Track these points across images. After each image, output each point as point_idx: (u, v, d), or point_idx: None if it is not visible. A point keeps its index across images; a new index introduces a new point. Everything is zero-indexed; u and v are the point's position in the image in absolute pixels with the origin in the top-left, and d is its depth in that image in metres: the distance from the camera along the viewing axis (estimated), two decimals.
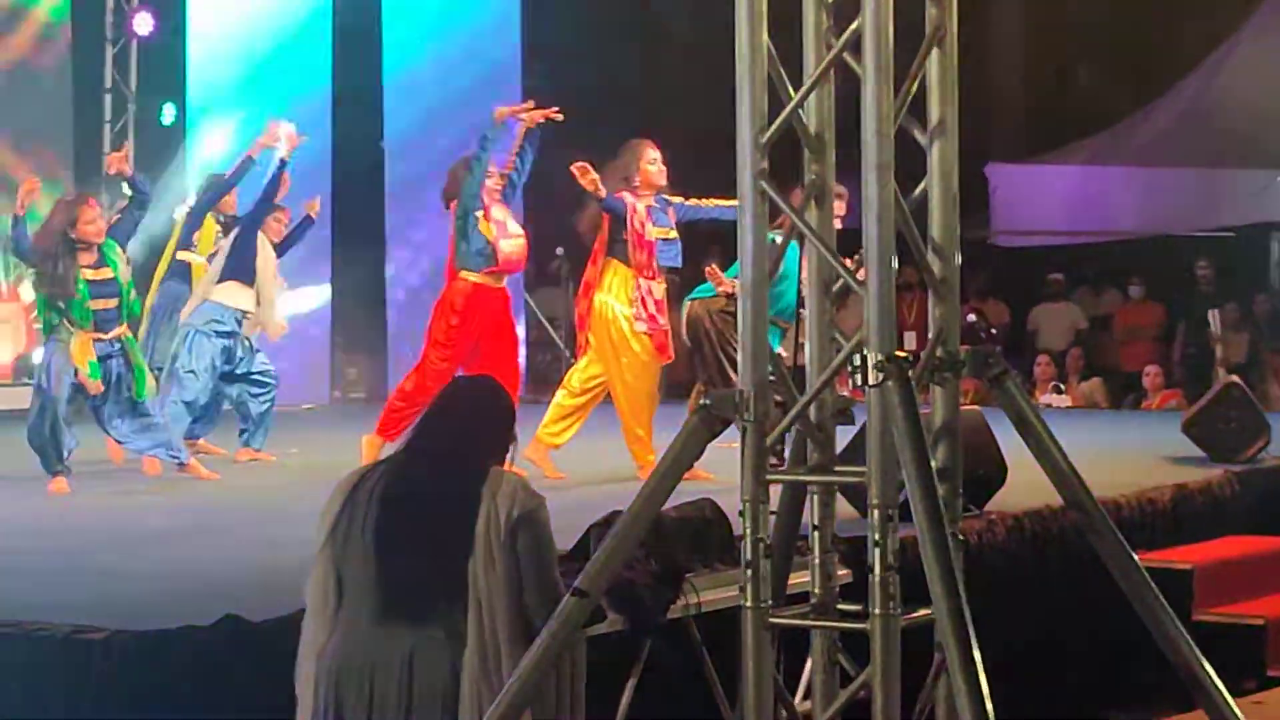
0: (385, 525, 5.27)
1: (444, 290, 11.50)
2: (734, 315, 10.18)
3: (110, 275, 11.42)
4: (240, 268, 12.49)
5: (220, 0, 18.16)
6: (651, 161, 11.30)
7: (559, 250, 19.33)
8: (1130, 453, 12.79)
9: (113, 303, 11.44)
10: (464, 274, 11.30)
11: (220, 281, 12.48)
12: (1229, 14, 20.86)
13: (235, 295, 12.48)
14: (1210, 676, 5.12)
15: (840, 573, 5.75)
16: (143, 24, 18.35)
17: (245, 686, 6.13)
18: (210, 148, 17.01)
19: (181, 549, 8.91)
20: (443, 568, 5.22)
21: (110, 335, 11.42)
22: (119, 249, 11.55)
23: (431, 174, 15.79)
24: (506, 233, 11.32)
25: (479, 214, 11.18)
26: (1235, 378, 13.29)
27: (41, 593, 7.27)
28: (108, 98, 18.42)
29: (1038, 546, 9.50)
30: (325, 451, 12.69)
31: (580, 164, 10.93)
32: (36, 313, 11.75)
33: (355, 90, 18.41)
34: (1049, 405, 17.82)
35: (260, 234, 12.62)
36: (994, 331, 19.87)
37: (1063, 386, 18.65)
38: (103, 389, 11.35)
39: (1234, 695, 5.20)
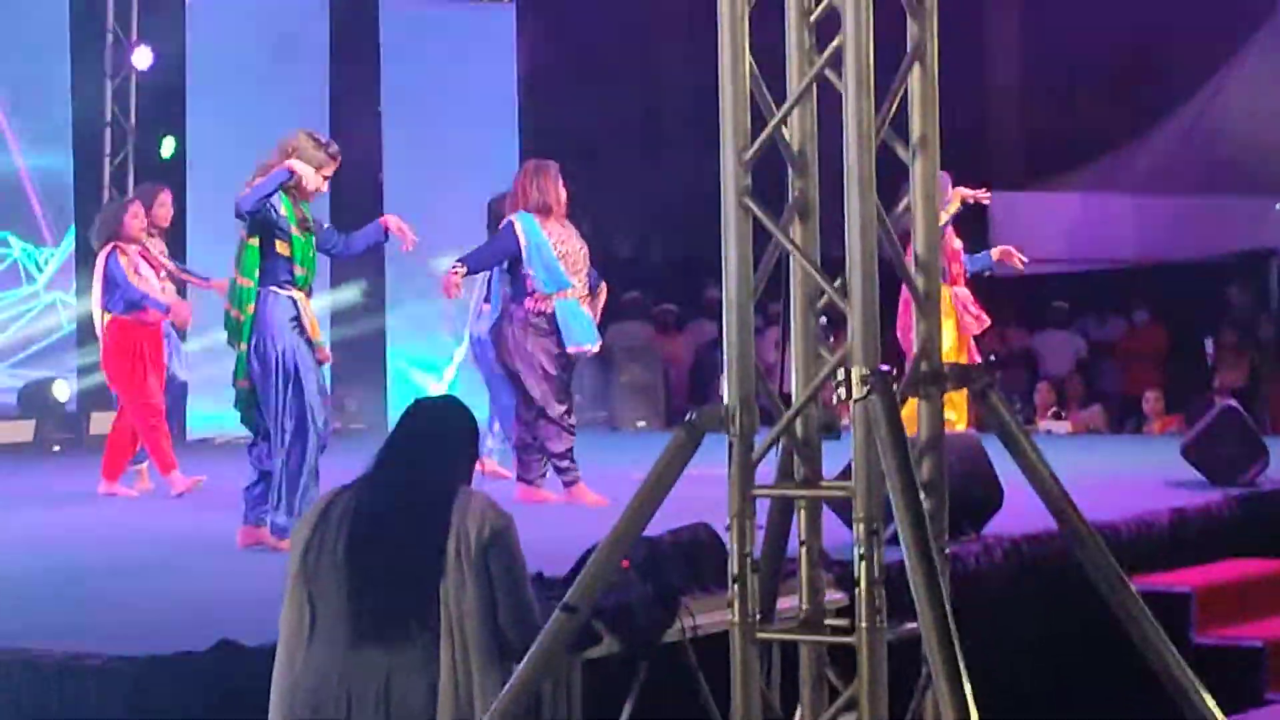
0: (356, 548, 5.25)
1: None
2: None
3: None
4: None
5: (219, 33, 18.22)
6: None
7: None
8: (1129, 477, 12.78)
9: None
10: None
11: None
12: (1225, 41, 20.92)
13: None
14: (1200, 693, 5.12)
15: (835, 596, 5.76)
16: (142, 58, 18.39)
17: (240, 711, 6.12)
18: (210, 180, 17.02)
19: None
20: (415, 590, 5.20)
21: None
22: None
23: (431, 202, 15.95)
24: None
25: None
26: (1233, 401, 13.28)
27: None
28: (107, 132, 18.45)
29: (1036, 570, 9.49)
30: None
31: None
32: None
33: (352, 121, 18.44)
34: (1049, 432, 17.82)
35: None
36: (993, 357, 19.86)
37: (1063, 413, 18.64)
38: None
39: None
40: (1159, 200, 21.04)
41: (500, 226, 11.41)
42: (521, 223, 11.20)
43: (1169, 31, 21.58)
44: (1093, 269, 21.30)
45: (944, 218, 11.56)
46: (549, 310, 11.20)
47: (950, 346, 12.16)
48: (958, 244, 12.70)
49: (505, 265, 11.35)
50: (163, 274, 12.35)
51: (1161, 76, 21.80)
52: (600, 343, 11.64)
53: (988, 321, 12.97)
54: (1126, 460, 14.42)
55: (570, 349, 11.22)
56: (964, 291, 12.71)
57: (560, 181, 11.38)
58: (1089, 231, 21.06)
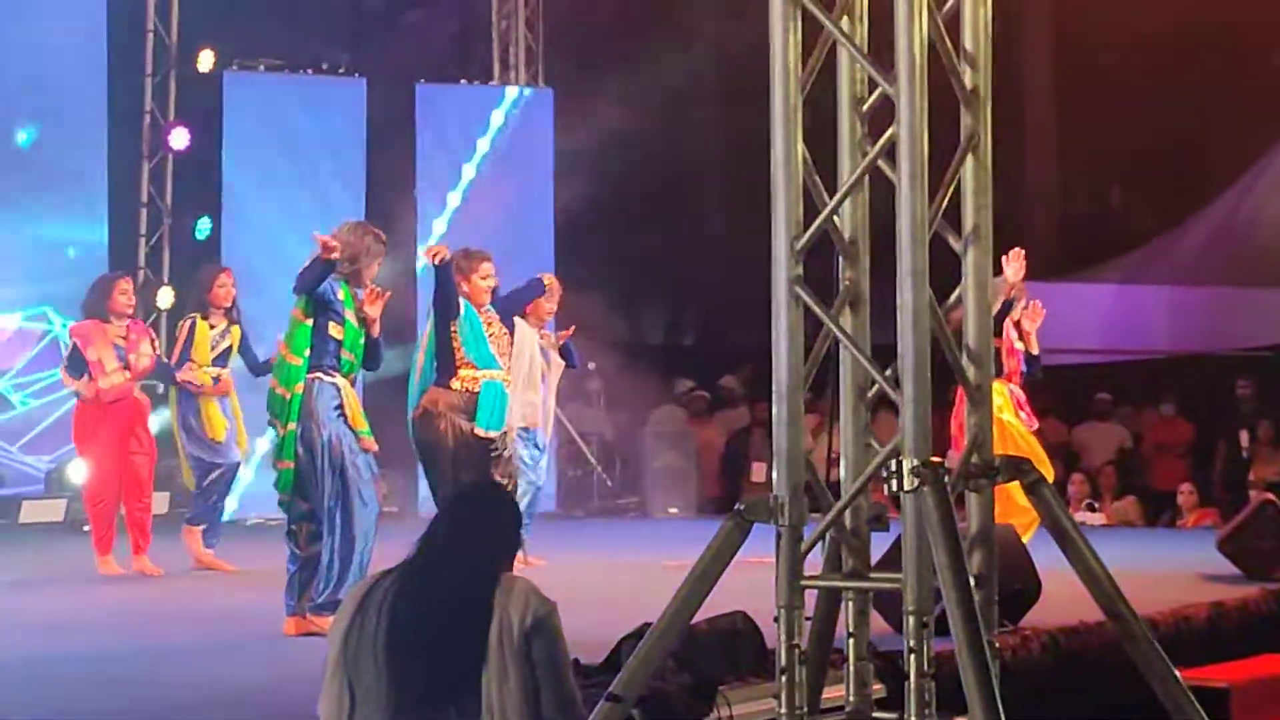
0: (397, 636, 5.18)
1: None
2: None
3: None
4: None
5: (255, 114, 18.32)
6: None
7: (591, 365, 19.37)
8: (1165, 571, 12.68)
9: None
10: None
11: None
12: (1261, 134, 20.93)
13: None
14: None
15: (874, 686, 5.71)
16: (178, 139, 18.50)
17: None
18: (246, 261, 17.07)
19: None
20: (456, 679, 5.15)
21: None
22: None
23: None
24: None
25: None
26: (1270, 495, 13.18)
27: None
28: (144, 212, 18.53)
29: (1073, 662, 9.41)
30: None
31: None
32: None
33: (388, 205, 18.49)
34: (1083, 523, 17.70)
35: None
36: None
37: (1096, 505, 18.54)
38: None
39: None
40: (1193, 291, 21.00)
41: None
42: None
43: (1204, 125, 21.61)
44: (1127, 360, 21.25)
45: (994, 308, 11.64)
46: (476, 389, 11.22)
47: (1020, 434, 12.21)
48: (1019, 344, 12.61)
49: (435, 345, 11.34)
50: (132, 356, 12.46)
51: (1196, 170, 21.81)
52: (504, 430, 11.58)
53: (1036, 424, 12.89)
54: (1162, 553, 14.32)
55: (478, 430, 11.21)
56: (1018, 390, 12.63)
57: (489, 275, 11.49)
58: (1123, 323, 21.01)
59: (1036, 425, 12.92)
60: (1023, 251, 12.27)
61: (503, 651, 5.12)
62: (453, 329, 11.19)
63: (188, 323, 12.78)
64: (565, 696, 5.18)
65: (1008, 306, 12.28)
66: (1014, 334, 12.53)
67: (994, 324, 11.86)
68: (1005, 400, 12.20)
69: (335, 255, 9.43)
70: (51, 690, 7.59)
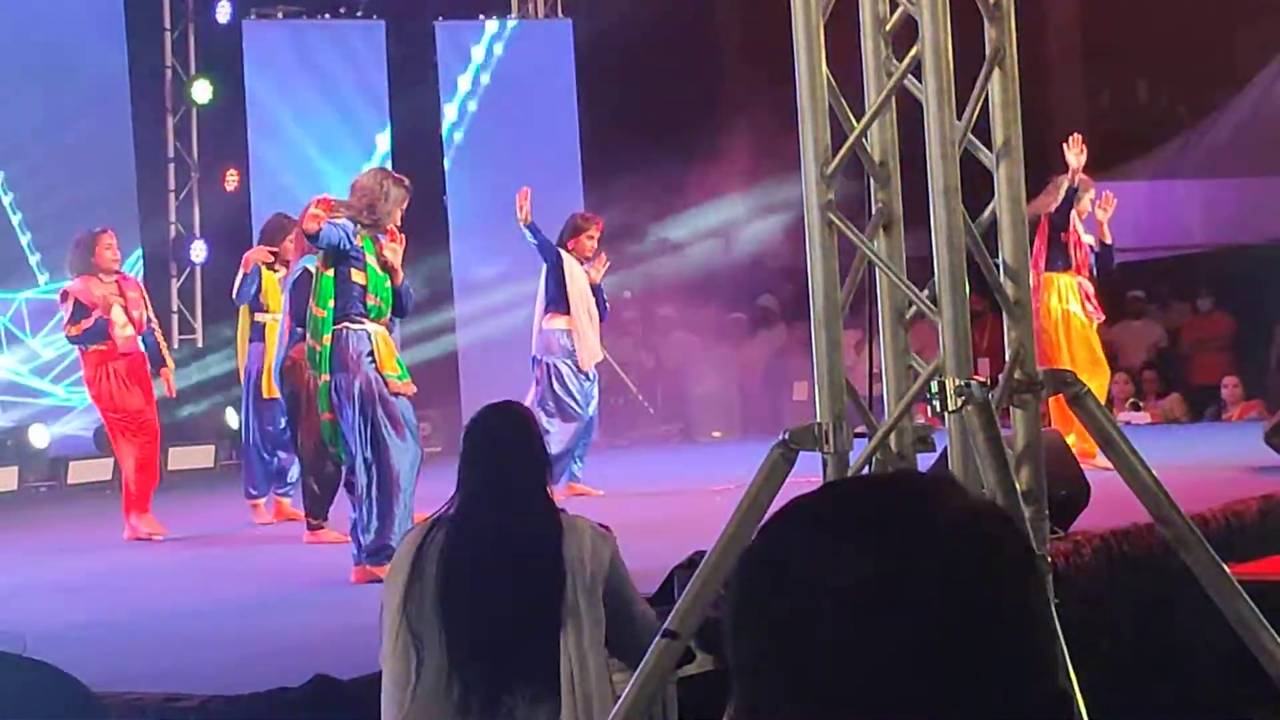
0: (459, 586, 5.12)
1: None
2: None
3: None
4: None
5: (278, 63, 18.29)
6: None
7: (627, 294, 19.36)
8: (1213, 466, 12.66)
9: None
10: None
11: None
12: None
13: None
14: None
15: None
16: (201, 92, 18.48)
17: None
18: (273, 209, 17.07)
19: None
20: (526, 624, 5.11)
21: None
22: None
23: (496, 222, 15.85)
24: None
25: None
26: None
27: None
28: (171, 167, 18.53)
29: (1125, 565, 9.40)
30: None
31: None
32: None
33: (413, 145, 18.46)
34: (1128, 423, 17.64)
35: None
36: None
37: (1140, 404, 18.49)
38: None
39: None
40: (1225, 184, 20.90)
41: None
42: None
43: (1229, 14, 21.45)
44: (1164, 256, 21.18)
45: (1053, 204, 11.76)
46: None
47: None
48: (1087, 237, 12.61)
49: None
50: (136, 313, 12.21)
51: (1221, 61, 21.65)
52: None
53: (1102, 317, 12.92)
54: (1209, 449, 14.29)
55: None
56: (1086, 283, 12.63)
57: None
58: (1156, 219, 20.91)
59: (1103, 318, 12.94)
60: (1080, 137, 12.25)
61: (575, 590, 5.08)
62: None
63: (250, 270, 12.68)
64: (642, 622, 5.17)
65: (1072, 195, 12.23)
66: (1080, 226, 12.52)
67: (1061, 216, 12.06)
68: (1074, 293, 12.27)
69: (311, 229, 9.47)
70: (129, 651, 7.65)
